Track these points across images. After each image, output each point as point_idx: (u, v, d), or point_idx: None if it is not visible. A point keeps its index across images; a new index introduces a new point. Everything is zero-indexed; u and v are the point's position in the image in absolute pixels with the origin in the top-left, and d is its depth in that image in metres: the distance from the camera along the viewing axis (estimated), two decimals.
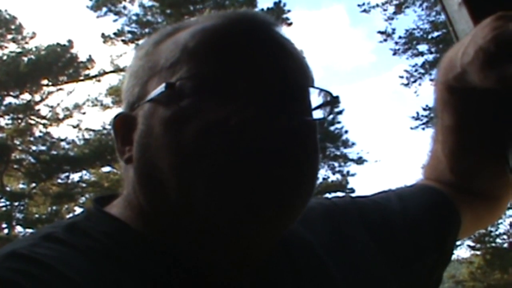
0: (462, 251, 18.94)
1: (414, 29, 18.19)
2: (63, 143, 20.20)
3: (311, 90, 0.75)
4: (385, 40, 18.37)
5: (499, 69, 0.77)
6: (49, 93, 20.32)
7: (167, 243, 0.71)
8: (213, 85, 0.69)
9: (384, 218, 0.93)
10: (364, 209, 0.94)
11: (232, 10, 0.79)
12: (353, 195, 1.09)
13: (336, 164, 18.69)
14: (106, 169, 19.08)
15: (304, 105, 0.74)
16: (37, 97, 20.40)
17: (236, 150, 0.66)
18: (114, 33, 18.31)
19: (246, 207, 0.66)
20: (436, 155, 1.03)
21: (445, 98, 0.94)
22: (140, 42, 0.85)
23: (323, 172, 18.14)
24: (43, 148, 20.08)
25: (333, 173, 18.77)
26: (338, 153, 18.53)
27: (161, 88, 0.70)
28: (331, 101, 0.76)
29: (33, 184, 19.83)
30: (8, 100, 20.15)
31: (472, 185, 1.01)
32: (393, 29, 18.28)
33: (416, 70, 18.30)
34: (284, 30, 0.78)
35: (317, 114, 0.76)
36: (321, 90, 0.76)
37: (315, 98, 0.76)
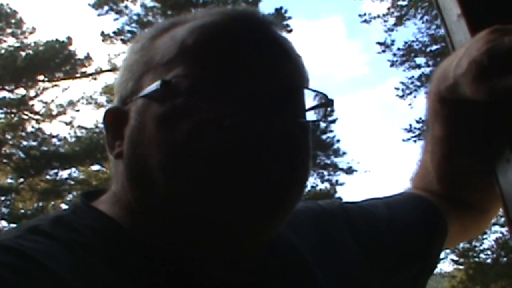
0: (445, 265, 18.81)
1: (413, 41, 18.22)
2: (54, 140, 20.10)
3: (307, 91, 0.75)
4: (384, 51, 18.36)
5: (490, 82, 0.78)
6: (44, 89, 20.22)
7: (155, 241, 0.70)
8: (208, 85, 0.69)
9: (371, 225, 0.93)
10: (351, 215, 0.94)
11: (231, 7, 0.78)
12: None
13: (325, 173, 18.65)
14: (96, 167, 18.97)
15: (299, 107, 0.74)
16: (32, 93, 20.31)
17: (228, 151, 0.66)
18: (114, 32, 18.23)
19: (240, 207, 0.66)
20: (424, 165, 1.03)
21: (436, 108, 0.94)
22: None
23: (312, 180, 18.02)
24: (34, 143, 19.97)
25: (322, 182, 18.65)
26: (328, 161, 18.47)
27: (156, 85, 0.70)
28: (326, 103, 0.76)
29: (21, 179, 19.70)
30: (2, 94, 20.07)
31: (459, 196, 1.01)
32: (392, 41, 18.30)
33: (412, 83, 18.30)
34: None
35: (310, 116, 0.76)
36: (317, 92, 0.76)
37: (310, 99, 0.76)
